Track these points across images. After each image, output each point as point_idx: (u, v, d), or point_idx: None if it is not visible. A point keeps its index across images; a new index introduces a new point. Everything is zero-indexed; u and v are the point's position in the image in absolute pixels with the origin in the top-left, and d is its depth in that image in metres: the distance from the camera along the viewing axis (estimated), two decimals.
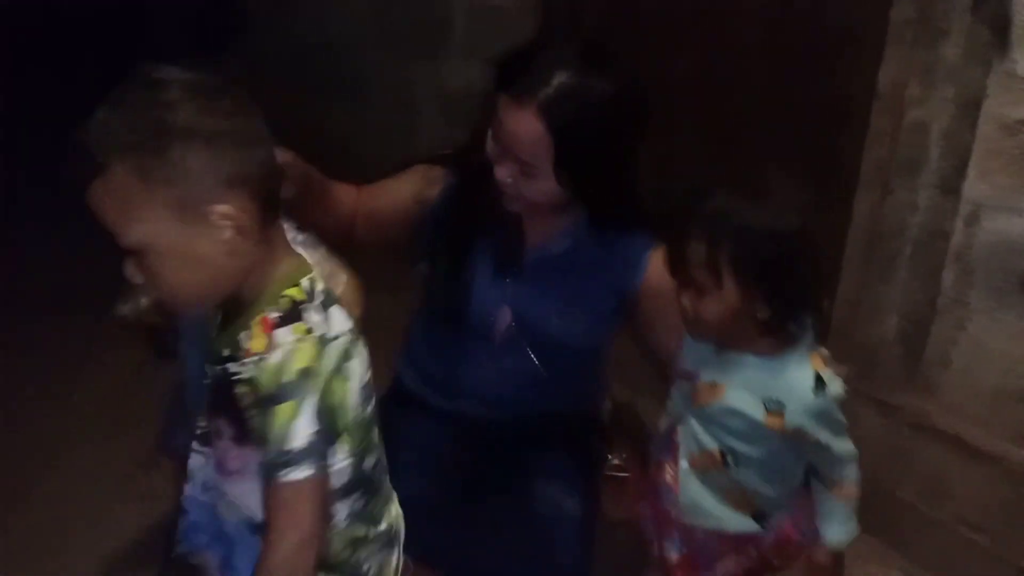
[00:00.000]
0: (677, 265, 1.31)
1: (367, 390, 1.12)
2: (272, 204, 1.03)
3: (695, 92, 2.49)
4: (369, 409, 1.13)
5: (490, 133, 1.38)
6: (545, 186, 1.36)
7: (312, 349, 1.00)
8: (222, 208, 0.97)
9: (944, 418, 2.07)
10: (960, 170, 1.93)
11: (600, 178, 1.39)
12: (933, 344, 2.07)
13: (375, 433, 1.17)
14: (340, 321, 1.06)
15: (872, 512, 2.29)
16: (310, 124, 3.96)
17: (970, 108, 1.88)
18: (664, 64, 2.46)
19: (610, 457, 1.68)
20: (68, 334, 2.84)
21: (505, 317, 1.52)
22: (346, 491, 1.12)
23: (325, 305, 1.05)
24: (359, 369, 1.10)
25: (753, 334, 1.32)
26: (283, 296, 1.02)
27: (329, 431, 1.04)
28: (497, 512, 1.52)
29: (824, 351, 1.38)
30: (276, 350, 0.99)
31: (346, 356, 1.06)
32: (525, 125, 1.31)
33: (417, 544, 1.30)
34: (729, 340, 1.35)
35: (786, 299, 1.28)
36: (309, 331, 1.01)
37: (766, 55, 2.38)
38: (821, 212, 2.25)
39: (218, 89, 0.99)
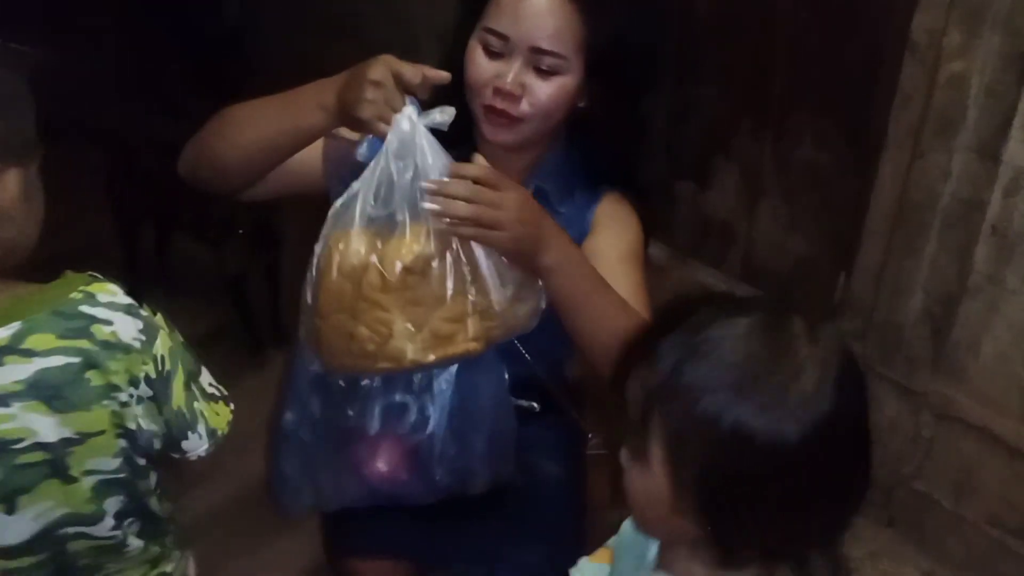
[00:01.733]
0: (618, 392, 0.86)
1: None
2: None
3: (717, 35, 2.32)
4: None
5: (485, 36, 1.19)
6: (565, 89, 1.20)
7: None
8: None
9: (972, 408, 1.97)
10: (1002, 132, 1.78)
11: (626, 75, 1.24)
12: (962, 326, 1.95)
13: None
14: None
15: (890, 504, 2.19)
16: (309, 62, 3.89)
17: (1017, 61, 1.72)
18: (686, 4, 2.32)
19: (590, 435, 1.57)
20: None
21: None
22: None
23: None
24: None
25: (689, 539, 0.87)
26: None
27: None
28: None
29: None
30: None
31: None
32: (548, 6, 1.16)
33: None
34: (659, 534, 0.94)
35: (746, 528, 0.81)
36: None
37: None
38: (845, 175, 2.09)
39: None
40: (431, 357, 1.11)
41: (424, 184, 1.07)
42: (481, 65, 1.20)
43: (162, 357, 1.04)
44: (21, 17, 4.12)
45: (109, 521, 1.08)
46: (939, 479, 2.06)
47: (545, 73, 1.19)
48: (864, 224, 2.03)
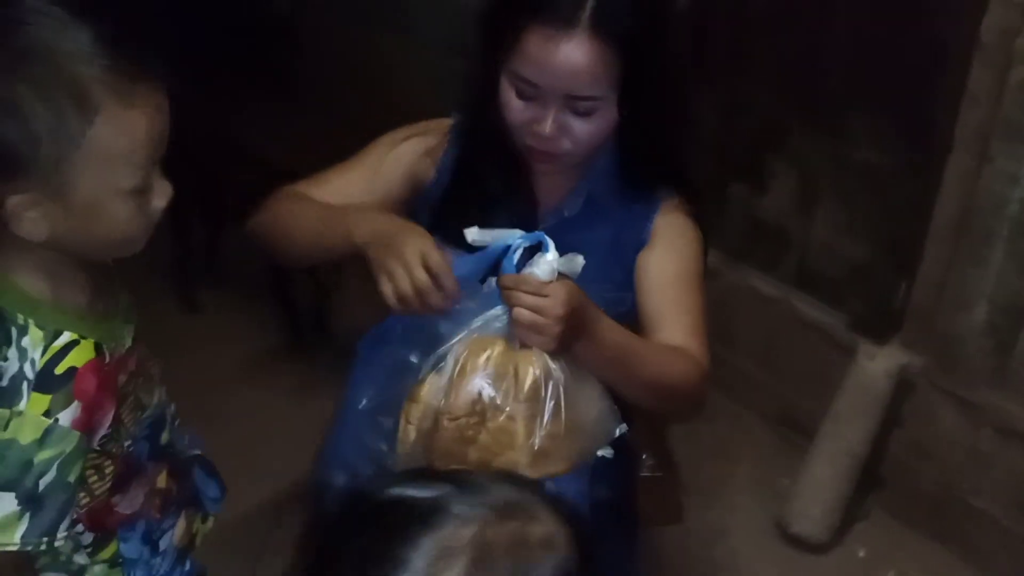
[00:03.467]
0: None
1: None
2: None
3: (771, 30, 2.26)
4: None
5: (515, 81, 1.15)
6: (606, 120, 1.17)
7: None
8: None
9: None
10: None
11: (662, 96, 1.21)
12: None
13: None
14: None
15: (942, 518, 2.13)
16: (357, 52, 3.93)
17: None
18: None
19: (644, 456, 1.52)
20: None
21: None
22: None
23: None
24: None
25: None
26: None
27: None
28: None
29: None
30: None
31: None
32: (579, 53, 1.11)
33: None
34: None
35: None
36: None
37: None
38: (906, 179, 2.03)
39: None
40: (535, 474, 1.09)
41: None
42: (516, 108, 1.16)
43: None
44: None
45: None
46: (997, 496, 2.00)
47: (583, 114, 1.15)
48: (926, 230, 1.97)
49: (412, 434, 1.10)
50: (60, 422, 0.97)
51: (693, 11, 2.43)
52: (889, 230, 2.11)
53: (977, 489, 2.02)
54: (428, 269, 1.05)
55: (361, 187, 1.29)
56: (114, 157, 0.96)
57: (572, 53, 1.10)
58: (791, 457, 2.16)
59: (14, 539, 0.98)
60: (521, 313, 1.03)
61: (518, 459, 1.08)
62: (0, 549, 0.98)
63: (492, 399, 1.06)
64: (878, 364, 2.06)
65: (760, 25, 2.27)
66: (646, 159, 1.27)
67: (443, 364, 1.09)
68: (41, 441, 0.97)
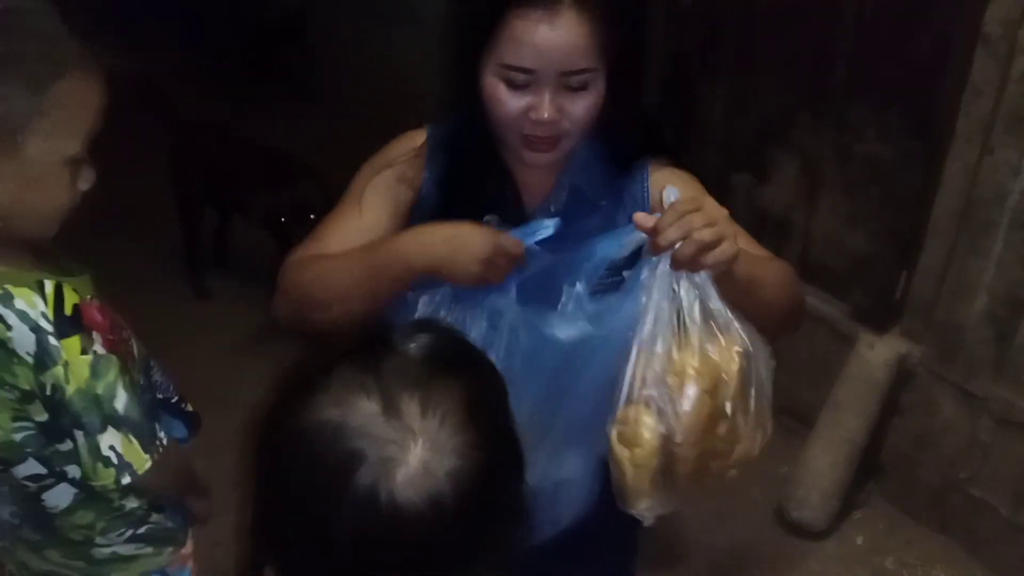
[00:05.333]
0: None
1: None
2: None
3: (777, 22, 2.27)
4: None
5: (505, 72, 1.15)
6: (598, 94, 1.17)
7: None
8: None
9: None
10: None
11: (638, 66, 1.24)
12: None
13: None
14: None
15: (941, 507, 2.14)
16: (366, 45, 3.94)
17: None
18: None
19: None
20: None
21: None
22: None
23: None
24: None
25: None
26: None
27: None
28: None
29: None
30: None
31: None
32: (569, 27, 1.11)
33: None
34: None
35: None
36: None
37: None
38: (908, 170, 2.03)
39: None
40: (759, 451, 1.09)
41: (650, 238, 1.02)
42: (509, 102, 1.16)
43: (53, 386, 1.05)
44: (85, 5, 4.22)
45: (22, 469, 1.12)
46: (997, 485, 2.00)
47: (577, 90, 1.15)
48: (928, 221, 1.98)
49: (646, 475, 1.05)
50: (98, 352, 1.06)
51: (701, 6, 2.44)
52: (891, 221, 2.11)
53: (976, 478, 2.03)
54: (506, 252, 1.06)
55: (356, 236, 1.24)
56: (68, 119, 1.01)
57: (563, 28, 1.11)
58: (791, 445, 2.17)
59: (144, 459, 1.11)
60: (702, 232, 0.99)
61: (748, 449, 1.07)
62: (146, 473, 1.11)
63: (716, 408, 1.04)
64: (878, 353, 2.07)
65: (767, 19, 2.28)
66: (628, 131, 1.26)
67: (640, 392, 1.03)
68: (94, 374, 1.06)
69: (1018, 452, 1.94)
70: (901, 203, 2.07)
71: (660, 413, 1.03)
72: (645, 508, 1.07)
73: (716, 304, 1.05)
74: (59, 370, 1.04)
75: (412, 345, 0.78)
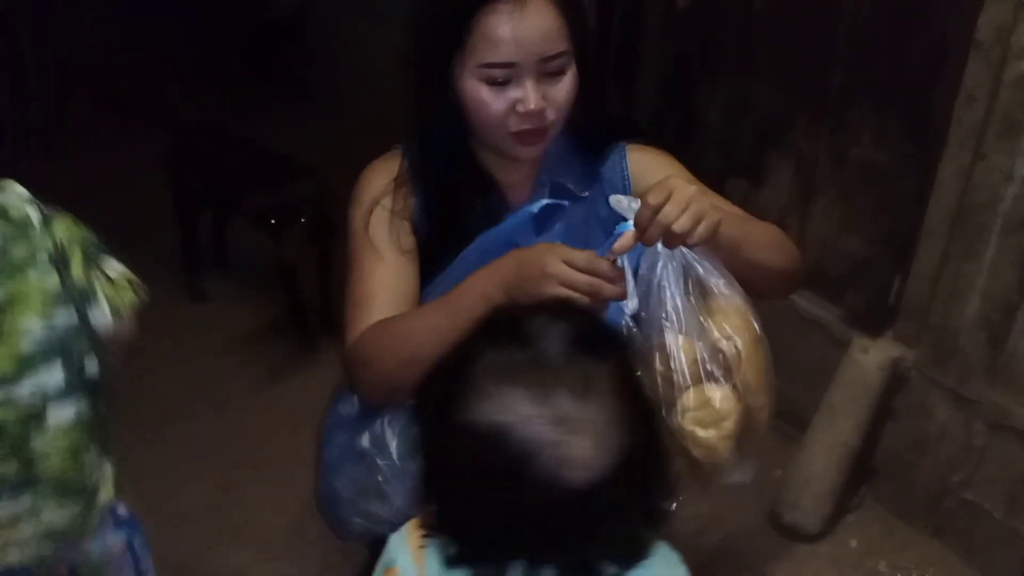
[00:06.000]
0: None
1: None
2: None
3: (775, 28, 2.27)
4: None
5: (486, 72, 1.17)
6: (574, 76, 1.22)
7: None
8: None
9: None
10: None
11: (594, 48, 1.26)
12: (1021, 333, 1.88)
13: None
14: None
15: (935, 511, 2.14)
16: (365, 49, 3.94)
17: None
18: None
19: None
20: None
21: None
22: None
23: None
24: None
25: None
26: None
27: None
28: None
29: None
30: None
31: None
32: (541, 14, 1.16)
33: None
34: None
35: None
36: None
37: None
38: (903, 175, 2.04)
39: None
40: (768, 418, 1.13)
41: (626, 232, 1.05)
42: (493, 102, 1.18)
43: (60, 240, 1.17)
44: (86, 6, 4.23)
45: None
46: (991, 489, 2.00)
47: (555, 75, 1.19)
48: (922, 226, 1.98)
49: (733, 445, 1.07)
50: None
51: (699, 10, 2.45)
52: (885, 225, 2.12)
53: (969, 482, 2.03)
54: (579, 267, 1.04)
55: (395, 280, 1.24)
56: None
57: (534, 15, 1.15)
58: (785, 448, 2.17)
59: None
60: (680, 222, 1.01)
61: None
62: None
63: (765, 351, 1.08)
64: (871, 357, 2.08)
65: (764, 23, 2.28)
66: (596, 115, 1.30)
67: (699, 371, 1.05)
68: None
69: (1011, 456, 1.94)
70: (896, 208, 2.08)
71: (727, 379, 1.06)
72: (740, 475, 1.11)
73: (713, 266, 1.08)
74: (63, 224, 1.18)
75: (553, 335, 0.83)
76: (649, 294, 1.06)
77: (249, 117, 3.55)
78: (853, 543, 2.12)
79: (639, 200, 1.05)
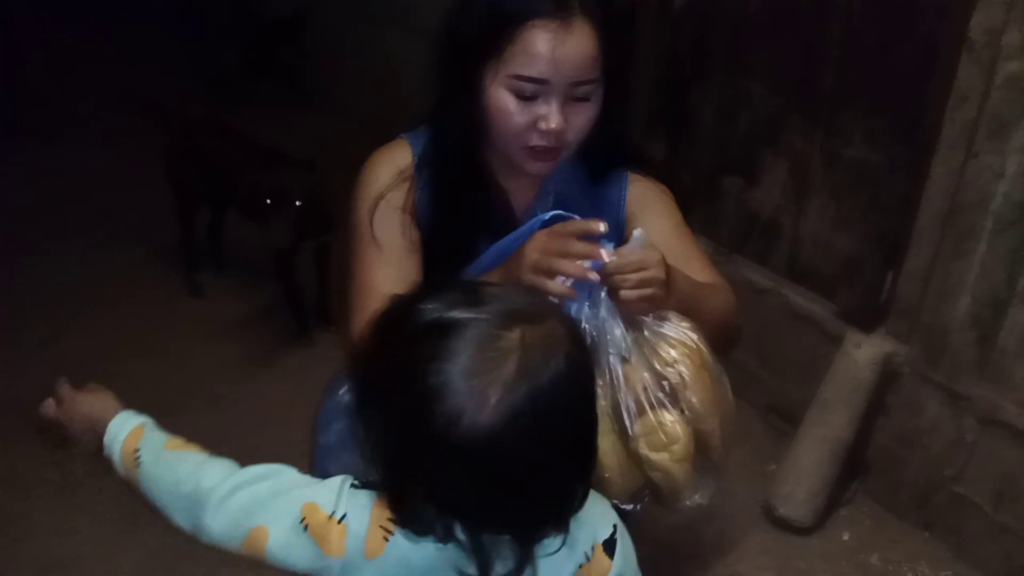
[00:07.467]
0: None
1: None
2: None
3: (768, 29, 2.31)
4: None
5: (516, 84, 1.17)
6: (599, 104, 1.21)
7: None
8: None
9: (1019, 414, 1.93)
10: None
11: (627, 80, 1.26)
12: (1010, 331, 1.90)
13: None
14: None
15: (929, 508, 2.17)
16: (361, 46, 3.96)
17: None
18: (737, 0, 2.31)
19: None
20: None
21: None
22: None
23: None
24: None
25: None
26: None
27: None
28: None
29: None
30: None
31: None
32: (582, 38, 1.15)
33: None
34: None
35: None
36: None
37: None
38: (895, 174, 2.07)
39: None
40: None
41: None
42: (517, 114, 1.18)
43: None
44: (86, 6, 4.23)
45: None
46: (981, 484, 2.02)
47: (581, 100, 1.19)
48: (913, 224, 2.00)
49: (689, 465, 1.09)
50: None
51: (692, 11, 2.47)
52: (877, 224, 2.15)
53: (960, 477, 2.05)
54: (558, 251, 1.06)
55: (396, 273, 1.25)
56: None
57: (577, 39, 1.14)
58: (778, 443, 2.20)
59: None
60: (630, 293, 1.05)
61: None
62: None
63: (712, 374, 1.10)
64: (863, 353, 2.10)
65: (757, 25, 2.31)
66: (613, 142, 1.30)
67: (648, 398, 1.07)
68: None
69: (1001, 451, 1.96)
70: (887, 206, 2.11)
71: (674, 404, 1.07)
72: (699, 496, 1.11)
73: None
74: None
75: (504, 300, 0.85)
76: (596, 326, 1.08)
77: (247, 116, 3.56)
78: (845, 536, 2.15)
79: (641, 232, 1.07)
